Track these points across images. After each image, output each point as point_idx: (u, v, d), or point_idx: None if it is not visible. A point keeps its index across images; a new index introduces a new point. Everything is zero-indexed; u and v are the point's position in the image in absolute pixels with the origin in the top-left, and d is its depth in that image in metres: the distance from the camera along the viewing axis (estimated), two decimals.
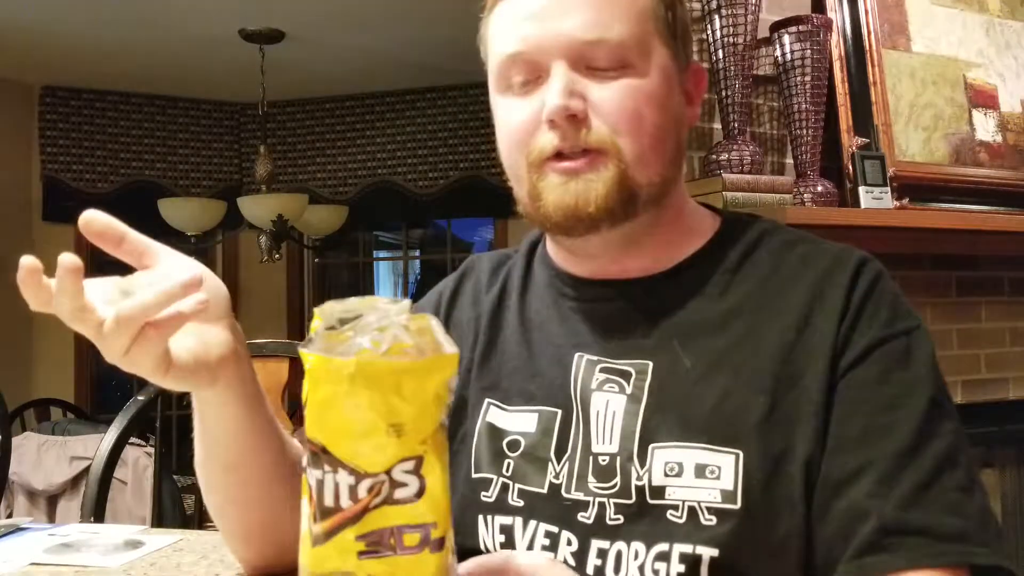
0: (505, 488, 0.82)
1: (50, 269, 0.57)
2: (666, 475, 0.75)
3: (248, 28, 3.84)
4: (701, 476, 0.74)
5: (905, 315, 0.78)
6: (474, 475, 0.84)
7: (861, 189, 2.04)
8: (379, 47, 4.12)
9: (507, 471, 0.83)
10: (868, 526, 0.70)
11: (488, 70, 0.84)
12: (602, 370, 0.82)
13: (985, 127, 2.32)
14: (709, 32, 1.96)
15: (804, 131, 2.03)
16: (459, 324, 0.93)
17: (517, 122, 0.80)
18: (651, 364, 0.80)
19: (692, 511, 0.74)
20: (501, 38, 0.81)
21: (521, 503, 0.81)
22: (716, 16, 1.94)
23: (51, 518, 3.24)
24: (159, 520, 1.97)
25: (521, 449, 0.83)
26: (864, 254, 0.82)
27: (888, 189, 2.06)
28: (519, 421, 0.84)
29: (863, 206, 2.03)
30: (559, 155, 0.78)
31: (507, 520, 0.82)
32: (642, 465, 0.76)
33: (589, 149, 0.77)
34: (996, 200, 2.27)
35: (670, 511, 0.75)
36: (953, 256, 2.23)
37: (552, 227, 0.82)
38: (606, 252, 0.83)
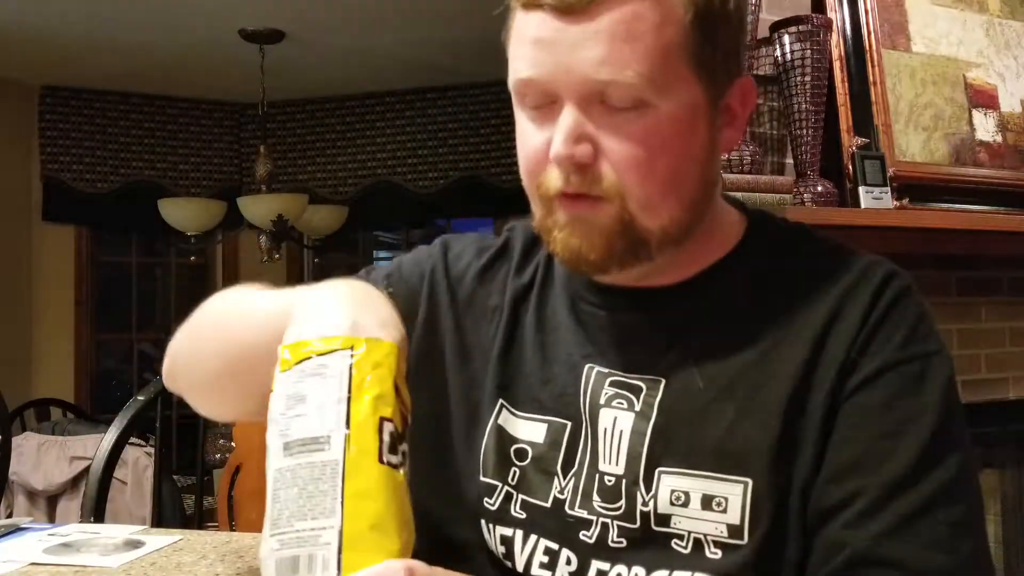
0: (509, 497, 0.81)
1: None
2: (672, 503, 0.73)
3: (248, 28, 3.84)
4: (708, 508, 0.72)
5: (924, 338, 0.74)
6: (482, 478, 0.83)
7: (861, 189, 2.03)
8: (379, 47, 4.12)
9: (512, 480, 0.81)
10: (840, 557, 0.67)
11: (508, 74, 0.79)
12: (612, 384, 0.79)
13: (985, 127, 2.32)
14: None
15: (804, 131, 2.03)
16: (482, 305, 0.89)
17: (530, 151, 0.76)
18: (663, 381, 0.77)
19: (698, 543, 0.72)
20: (516, 56, 0.74)
21: (523, 515, 0.80)
22: None
23: (51, 518, 3.24)
24: (159, 520, 1.97)
25: (528, 459, 0.81)
26: (892, 268, 0.77)
27: (888, 189, 2.06)
28: (528, 429, 0.82)
29: (863, 206, 2.02)
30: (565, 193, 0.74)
31: (507, 531, 0.80)
32: (648, 490, 0.74)
33: (593, 195, 0.73)
34: (996, 200, 2.27)
35: (675, 540, 0.73)
36: (953, 256, 2.23)
37: (561, 263, 0.80)
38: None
